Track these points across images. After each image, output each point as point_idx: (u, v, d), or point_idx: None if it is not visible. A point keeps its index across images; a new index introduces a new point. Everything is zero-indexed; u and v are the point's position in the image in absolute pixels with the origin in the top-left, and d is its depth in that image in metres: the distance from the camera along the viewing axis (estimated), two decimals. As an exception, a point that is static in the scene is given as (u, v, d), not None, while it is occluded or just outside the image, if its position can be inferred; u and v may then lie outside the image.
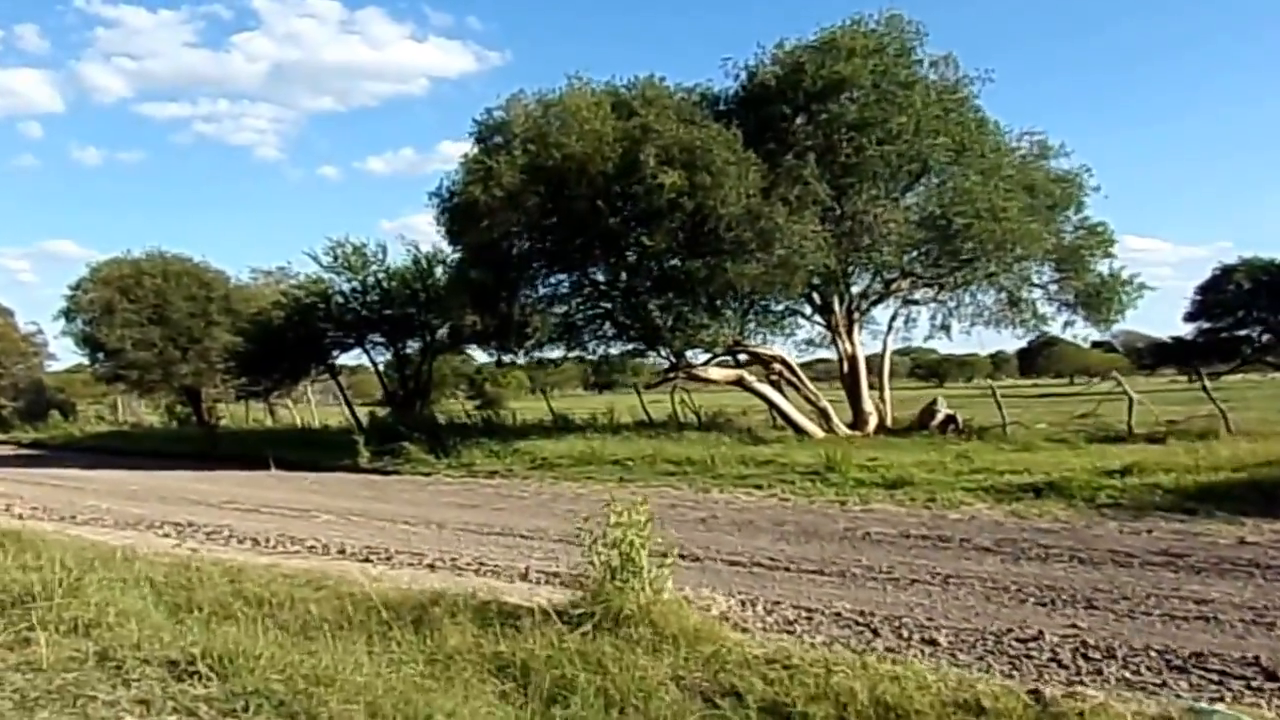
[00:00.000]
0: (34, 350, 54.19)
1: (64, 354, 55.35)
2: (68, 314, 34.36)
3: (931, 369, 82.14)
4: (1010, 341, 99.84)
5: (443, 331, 24.95)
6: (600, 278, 20.20)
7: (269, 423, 33.69)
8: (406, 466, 17.82)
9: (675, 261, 17.76)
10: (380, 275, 25.03)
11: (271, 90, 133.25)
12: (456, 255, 20.90)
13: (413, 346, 25.86)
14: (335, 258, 25.14)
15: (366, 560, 9.04)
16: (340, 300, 25.01)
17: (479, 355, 30.18)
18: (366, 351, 25.87)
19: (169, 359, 32.65)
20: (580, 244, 18.71)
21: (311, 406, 33.25)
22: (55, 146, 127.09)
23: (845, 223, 19.31)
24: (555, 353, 21.42)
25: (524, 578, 8.13)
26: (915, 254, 20.67)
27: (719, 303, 18.37)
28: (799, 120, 19.16)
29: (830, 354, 23.73)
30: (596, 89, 19.32)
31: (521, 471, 16.35)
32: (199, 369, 33.05)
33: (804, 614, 6.31)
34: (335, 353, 26.04)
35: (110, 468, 20.99)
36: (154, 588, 6.97)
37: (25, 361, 53.56)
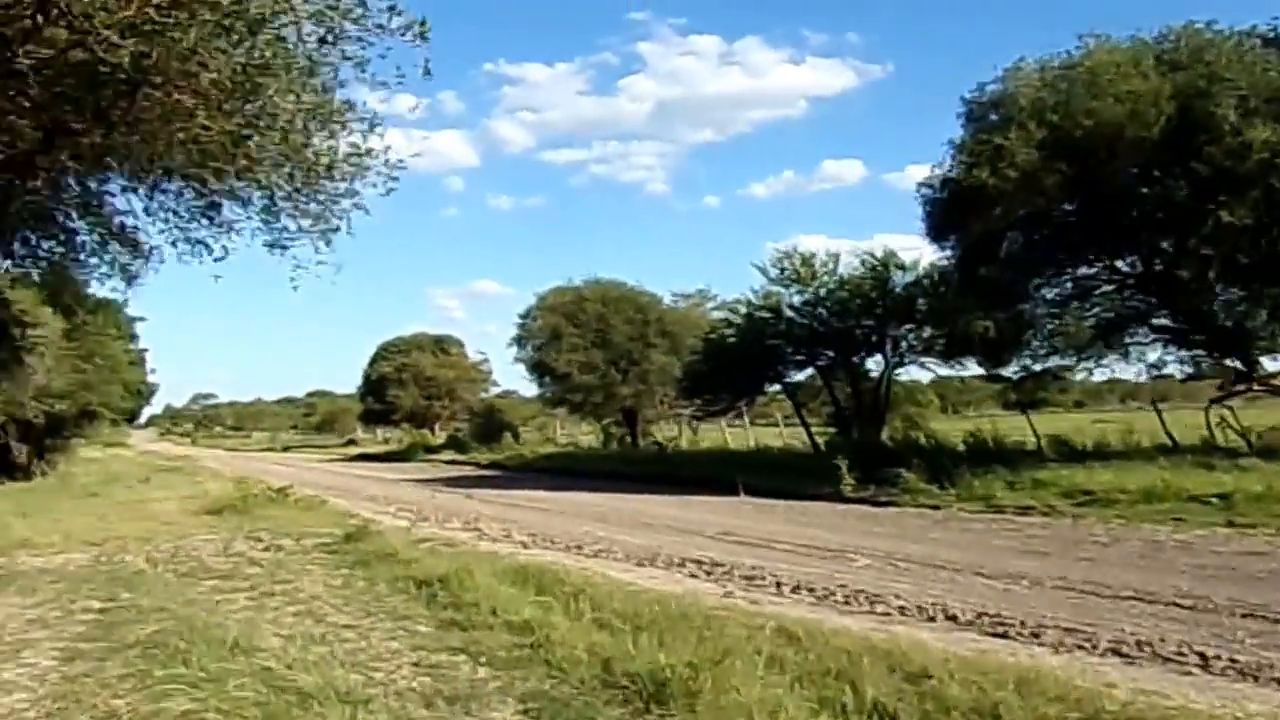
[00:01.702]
0: (481, 377, 59.76)
1: (502, 380, 60.57)
2: (519, 341, 36.46)
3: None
4: None
5: (903, 344, 22.46)
6: (1127, 268, 16.47)
7: (704, 444, 32.96)
8: (905, 497, 15.25)
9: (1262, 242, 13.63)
10: (832, 286, 23.02)
11: (656, 128, 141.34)
12: (943, 255, 18.30)
13: (870, 362, 23.52)
14: (783, 270, 23.57)
15: (1001, 634, 6.48)
16: (790, 314, 23.35)
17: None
18: (819, 368, 23.91)
19: (610, 381, 33.26)
20: (1115, 227, 15.21)
21: (747, 427, 32.08)
22: (473, 197, 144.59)
23: None
24: (1063, 360, 17.88)
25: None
26: None
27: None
28: None
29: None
30: (1120, 45, 15.86)
31: (1065, 508, 13.09)
32: (638, 390, 33.35)
33: None
34: (789, 370, 24.34)
35: (574, 490, 20.71)
36: (781, 668, 4.93)
37: (474, 389, 59.17)
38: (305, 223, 6.62)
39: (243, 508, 15.79)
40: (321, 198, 6.50)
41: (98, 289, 18.17)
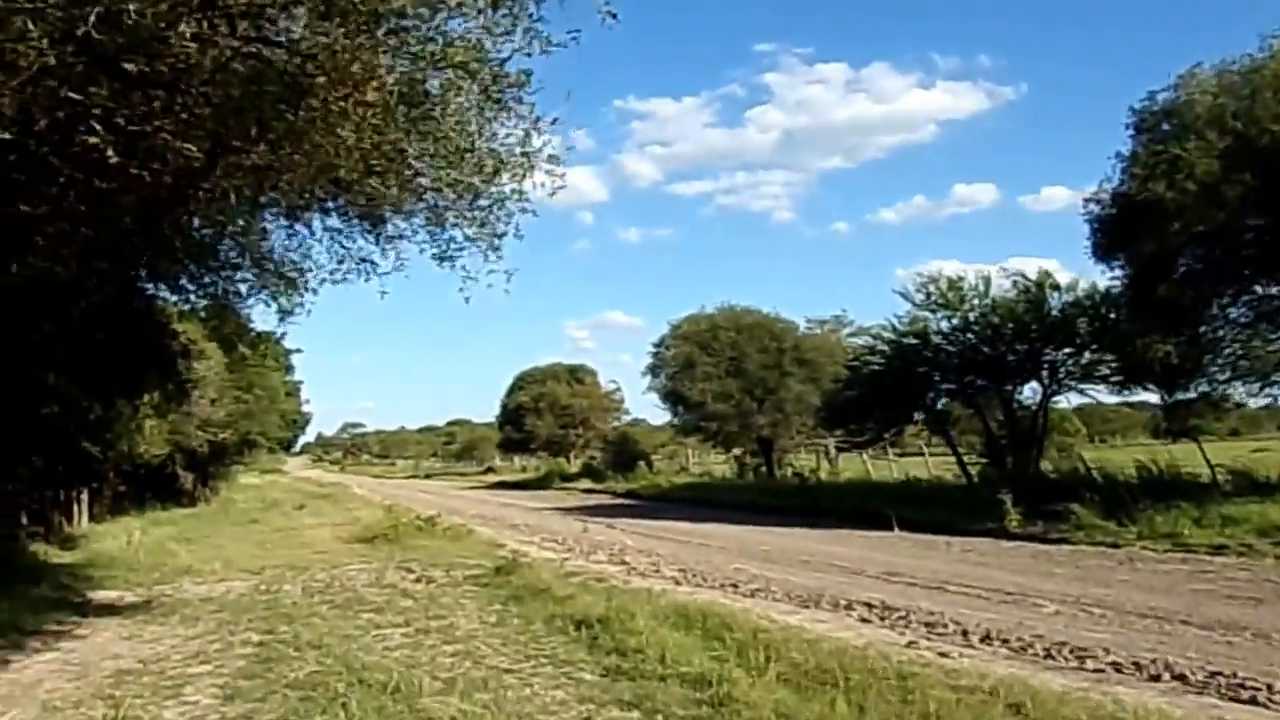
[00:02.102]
0: (614, 406, 60.07)
1: (632, 408, 60.84)
2: (653, 370, 36.32)
3: None
4: None
5: (1062, 369, 21.13)
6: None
7: (845, 475, 31.86)
8: (1078, 534, 14.15)
9: None
10: (983, 310, 21.91)
11: (783, 157, 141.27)
12: (1111, 275, 17.10)
13: (1025, 389, 22.20)
14: (928, 294, 22.61)
15: (1249, 700, 5.60)
16: (938, 340, 22.34)
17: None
18: (970, 395, 22.76)
19: (746, 410, 32.66)
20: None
21: (888, 458, 30.88)
22: (603, 230, 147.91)
23: None
24: (1247, 385, 16.42)
25: None
26: None
27: None
28: None
29: None
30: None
31: (1263, 548, 11.82)
32: (775, 420, 32.62)
33: None
34: (939, 399, 23.22)
35: (715, 521, 20.20)
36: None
37: (606, 417, 59.48)
38: (471, 230, 6.41)
39: (393, 536, 16.03)
40: (486, 202, 6.26)
41: (258, 322, 18.97)
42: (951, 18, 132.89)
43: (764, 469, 34.73)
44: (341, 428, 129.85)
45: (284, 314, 8.49)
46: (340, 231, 7.36)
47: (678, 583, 11.33)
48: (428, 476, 71.03)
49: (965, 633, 7.78)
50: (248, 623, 9.25)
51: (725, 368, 33.30)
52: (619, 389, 59.05)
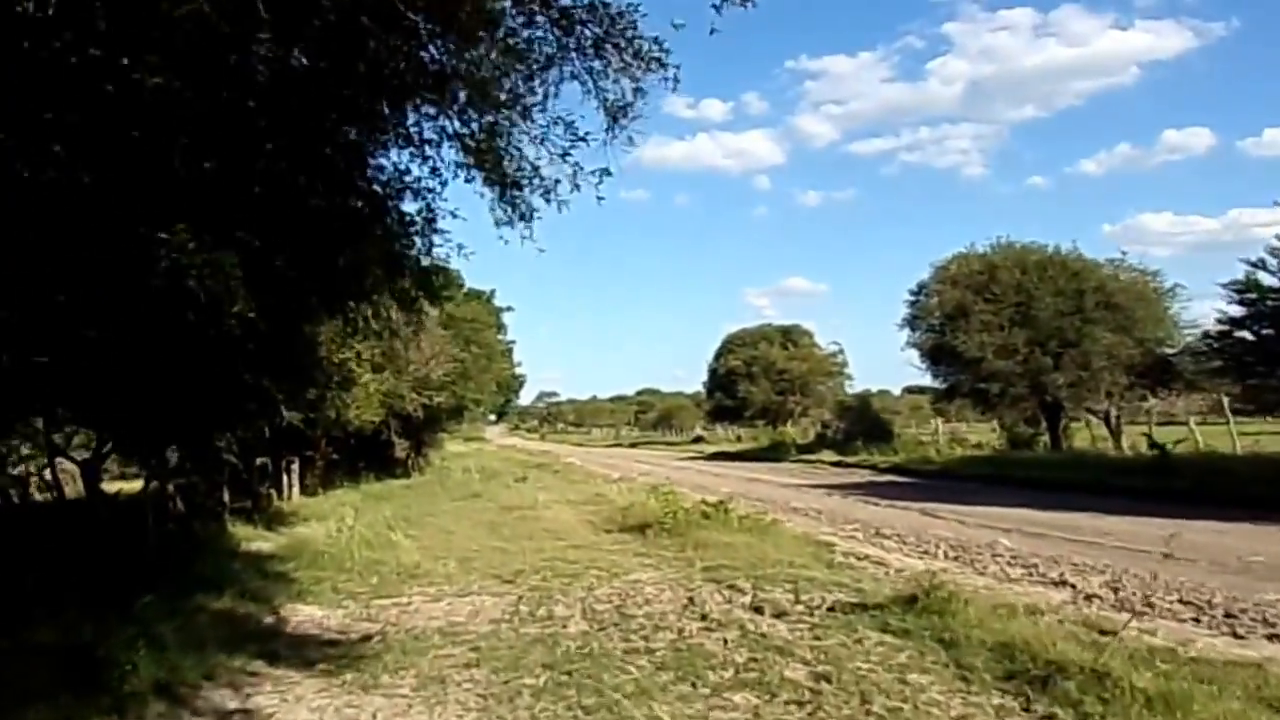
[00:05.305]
0: (836, 369, 54.31)
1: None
2: (911, 322, 30.79)
3: None
4: None
5: None
6: None
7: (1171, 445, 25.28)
8: None
9: None
10: None
11: (969, 109, 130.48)
12: None
13: None
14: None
15: None
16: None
17: None
18: None
19: (1037, 367, 26.61)
20: None
21: (1192, 426, 24.11)
22: (780, 195, 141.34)
23: None
24: None
25: None
26: None
27: None
28: None
29: None
30: None
31: None
32: (1076, 378, 26.38)
33: None
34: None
35: (1060, 509, 14.73)
36: None
37: (828, 381, 53.82)
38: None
39: (672, 527, 11.88)
40: None
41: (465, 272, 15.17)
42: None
43: (1046, 440, 28.67)
44: (537, 396, 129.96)
45: (620, 110, 4.28)
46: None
47: (1235, 635, 6.44)
48: (633, 445, 67.98)
49: None
50: (536, 710, 5.21)
51: (1009, 315, 27.35)
52: (841, 350, 53.33)
